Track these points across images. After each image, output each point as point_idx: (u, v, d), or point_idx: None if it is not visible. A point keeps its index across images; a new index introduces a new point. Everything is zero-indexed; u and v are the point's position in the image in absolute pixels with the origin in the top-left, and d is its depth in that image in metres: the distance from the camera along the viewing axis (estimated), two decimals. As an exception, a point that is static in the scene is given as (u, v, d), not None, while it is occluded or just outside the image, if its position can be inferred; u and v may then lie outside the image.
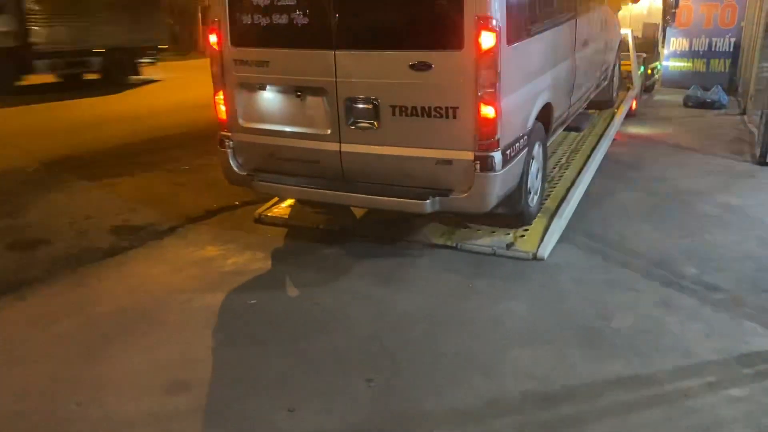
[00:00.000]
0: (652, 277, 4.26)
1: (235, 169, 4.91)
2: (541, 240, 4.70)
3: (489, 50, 3.93)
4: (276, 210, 5.56)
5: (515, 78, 4.36)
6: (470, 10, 3.89)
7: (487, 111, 4.04)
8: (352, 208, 5.51)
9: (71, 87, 14.59)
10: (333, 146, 4.49)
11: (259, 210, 5.55)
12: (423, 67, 4.08)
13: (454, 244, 4.78)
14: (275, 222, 5.40)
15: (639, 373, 3.23)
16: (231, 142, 4.87)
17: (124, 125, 9.95)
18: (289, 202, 5.72)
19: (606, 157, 6.75)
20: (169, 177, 7.03)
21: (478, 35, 3.91)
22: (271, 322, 3.89)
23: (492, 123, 4.06)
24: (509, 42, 4.15)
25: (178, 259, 4.79)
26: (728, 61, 11.11)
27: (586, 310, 3.88)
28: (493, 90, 4.01)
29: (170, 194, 6.38)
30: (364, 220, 5.30)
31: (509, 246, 4.67)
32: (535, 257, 4.54)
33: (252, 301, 4.14)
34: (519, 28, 4.38)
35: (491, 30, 3.90)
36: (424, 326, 3.76)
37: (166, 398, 3.16)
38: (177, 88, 13.98)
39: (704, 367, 3.28)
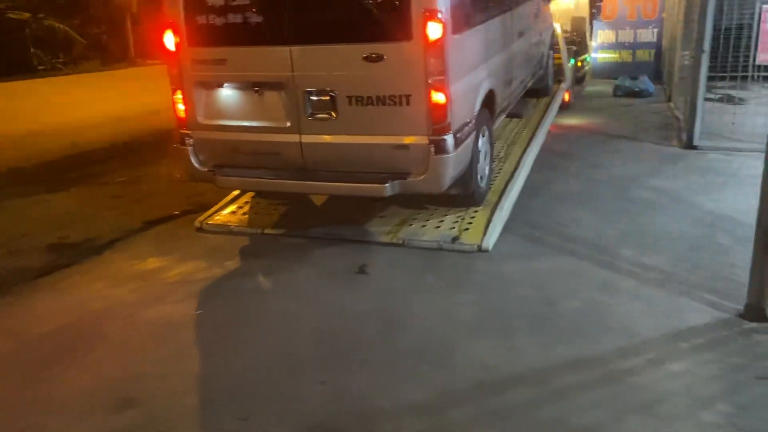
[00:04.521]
0: (592, 261, 4.40)
1: (197, 165, 4.98)
2: (485, 232, 4.78)
3: (437, 40, 4.20)
4: (217, 217, 5.46)
5: (461, 66, 4.61)
6: (418, 4, 4.14)
7: (438, 97, 4.29)
8: (311, 198, 5.67)
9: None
10: (293, 138, 4.64)
11: (200, 218, 5.44)
12: (376, 58, 4.29)
13: (401, 241, 4.81)
14: (217, 230, 5.30)
15: (585, 355, 3.33)
16: (191, 140, 4.92)
17: (51, 139, 9.56)
18: (231, 208, 5.64)
19: (542, 149, 6.92)
20: (106, 190, 6.82)
21: (425, 27, 4.16)
22: (218, 331, 3.82)
23: (443, 108, 4.31)
24: (454, 32, 4.39)
25: (119, 273, 4.65)
26: (653, 51, 11.51)
27: (531, 297, 3.96)
28: (442, 77, 4.27)
29: (107, 207, 6.18)
30: (310, 222, 5.26)
31: (454, 240, 4.73)
32: (480, 249, 4.61)
33: (198, 311, 4.06)
34: (462, 19, 4.65)
35: (438, 21, 4.15)
36: (375, 324, 3.77)
37: (113, 416, 3.05)
38: (105, 100, 13.55)
39: (646, 344, 3.40)
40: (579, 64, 11.04)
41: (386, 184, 4.42)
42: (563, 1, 11.73)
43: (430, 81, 4.25)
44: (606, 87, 10.94)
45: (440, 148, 4.37)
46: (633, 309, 3.75)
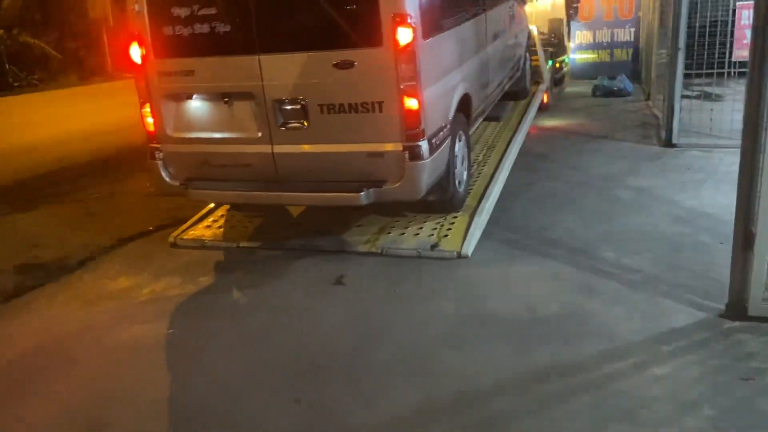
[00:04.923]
0: (573, 264, 4.33)
1: (167, 179, 4.88)
2: (464, 238, 4.71)
3: (407, 45, 4.12)
4: (192, 232, 5.35)
5: (434, 71, 4.54)
6: (386, 9, 4.07)
7: (411, 103, 4.22)
8: (288, 210, 5.57)
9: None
10: (265, 148, 4.55)
11: (174, 233, 5.32)
12: (346, 65, 4.22)
13: (379, 250, 4.72)
14: (191, 245, 5.19)
15: (566, 362, 3.26)
16: (161, 154, 4.82)
17: (24, 157, 9.38)
18: (206, 222, 5.53)
19: (521, 151, 6.86)
20: (78, 207, 6.67)
21: (395, 32, 4.09)
22: (191, 350, 3.71)
23: (416, 114, 4.24)
24: (425, 37, 4.32)
25: (91, 293, 4.52)
26: (630, 51, 11.54)
27: (511, 303, 3.89)
28: (414, 83, 4.19)
29: (80, 225, 6.05)
30: (286, 234, 5.16)
31: (434, 247, 4.65)
32: (459, 255, 4.54)
33: (171, 330, 3.94)
34: (433, 23, 4.58)
35: (408, 26, 4.09)
36: (352, 337, 3.68)
37: (80, 444, 2.95)
38: (81, 116, 13.36)
39: (628, 348, 3.33)
40: (557, 65, 11.04)
41: (361, 193, 4.34)
42: (540, 2, 11.76)
43: (402, 87, 4.18)
44: (585, 87, 10.93)
45: (415, 154, 4.30)
46: (615, 312, 3.69)
